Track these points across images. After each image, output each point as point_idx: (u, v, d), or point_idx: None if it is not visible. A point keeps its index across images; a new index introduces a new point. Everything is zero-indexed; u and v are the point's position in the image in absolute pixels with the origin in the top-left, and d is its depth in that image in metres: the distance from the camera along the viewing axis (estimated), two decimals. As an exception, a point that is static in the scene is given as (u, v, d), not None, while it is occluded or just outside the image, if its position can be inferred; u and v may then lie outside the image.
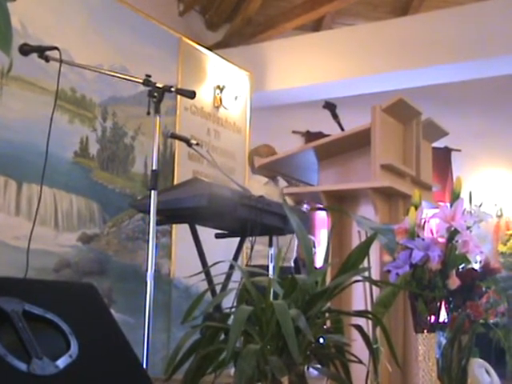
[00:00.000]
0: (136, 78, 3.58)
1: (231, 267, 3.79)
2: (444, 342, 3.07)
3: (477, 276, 2.93)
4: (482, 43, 7.17)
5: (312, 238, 6.91)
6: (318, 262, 3.02)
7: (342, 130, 4.15)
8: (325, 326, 2.57)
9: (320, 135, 8.56)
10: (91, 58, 4.91)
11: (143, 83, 3.48)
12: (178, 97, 5.67)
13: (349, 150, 3.57)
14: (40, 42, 4.41)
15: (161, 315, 5.32)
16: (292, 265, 5.92)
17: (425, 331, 2.71)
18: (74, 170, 4.90)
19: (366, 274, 2.69)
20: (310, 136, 9.16)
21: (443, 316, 2.84)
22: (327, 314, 2.54)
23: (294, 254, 5.96)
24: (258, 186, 5.70)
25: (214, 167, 5.58)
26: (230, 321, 2.31)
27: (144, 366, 3.02)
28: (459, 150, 9.69)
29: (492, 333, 5.14)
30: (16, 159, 4.43)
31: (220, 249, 4.62)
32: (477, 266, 2.96)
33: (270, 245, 4.70)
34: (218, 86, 6.53)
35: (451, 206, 2.74)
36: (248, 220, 4.10)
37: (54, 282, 3.48)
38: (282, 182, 5.82)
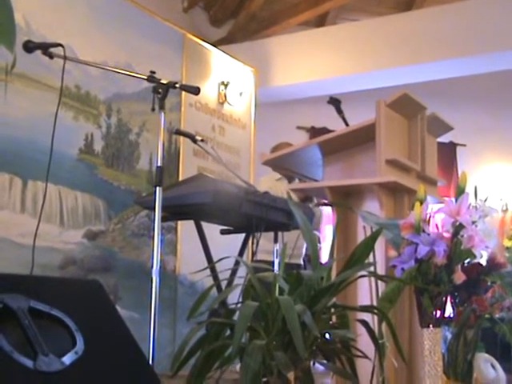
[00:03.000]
0: (140, 74, 3.58)
1: (236, 263, 3.80)
2: (449, 336, 3.06)
3: (482, 270, 2.92)
4: (486, 38, 7.16)
5: (317, 233, 6.89)
6: (324, 257, 3.02)
7: (347, 125, 4.13)
8: (330, 322, 2.57)
9: (325, 131, 8.55)
10: (95, 55, 4.92)
11: (147, 79, 3.48)
12: (183, 93, 5.67)
13: (354, 145, 3.56)
14: (44, 39, 4.42)
15: (166, 311, 5.32)
16: (301, 262, 5.91)
17: (430, 326, 2.71)
18: (79, 166, 4.90)
19: (372, 269, 2.69)
20: (314, 131, 9.15)
21: (449, 311, 2.84)
22: (333, 310, 2.54)
23: (304, 251, 5.96)
24: (270, 182, 5.70)
25: (219, 163, 5.58)
26: (236, 317, 2.31)
27: (150, 361, 3.02)
28: (464, 145, 9.68)
29: (497, 327, 5.13)
30: (21, 157, 4.44)
31: (225, 245, 4.61)
32: (483, 261, 2.95)
33: (276, 240, 4.69)
34: (223, 82, 6.53)
35: (456, 200, 2.73)
36: (253, 216, 4.10)
37: (59, 279, 3.49)
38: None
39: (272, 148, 6.13)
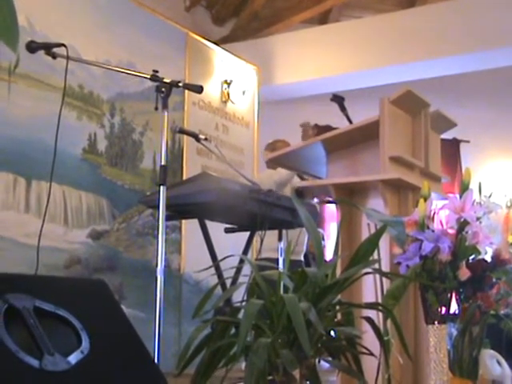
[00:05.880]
0: (143, 73, 3.57)
1: (241, 261, 3.80)
2: (455, 333, 3.05)
3: (487, 267, 2.92)
4: (490, 34, 7.15)
5: (321, 231, 6.89)
6: (328, 254, 3.02)
7: (351, 122, 4.13)
8: (335, 319, 2.57)
9: (328, 128, 8.54)
10: (98, 55, 4.92)
11: (151, 79, 3.47)
12: (186, 92, 5.67)
13: (357, 142, 3.56)
14: (47, 39, 4.42)
15: (171, 310, 5.33)
16: (302, 259, 5.92)
17: (435, 323, 2.71)
18: (83, 166, 4.91)
19: (376, 266, 2.69)
20: (318, 129, 9.14)
21: (454, 307, 2.84)
22: (338, 307, 2.54)
23: (304, 248, 5.97)
24: (274, 172, 5.68)
25: (222, 162, 5.58)
26: (241, 315, 2.31)
27: (155, 360, 3.02)
28: (468, 141, 9.67)
29: (503, 324, 5.12)
30: (25, 156, 4.45)
31: (229, 243, 4.61)
32: (488, 257, 2.94)
33: (280, 238, 4.69)
34: (226, 81, 6.53)
35: (461, 197, 2.73)
36: (257, 214, 4.10)
37: (64, 279, 3.50)
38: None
39: (267, 145, 6.13)
